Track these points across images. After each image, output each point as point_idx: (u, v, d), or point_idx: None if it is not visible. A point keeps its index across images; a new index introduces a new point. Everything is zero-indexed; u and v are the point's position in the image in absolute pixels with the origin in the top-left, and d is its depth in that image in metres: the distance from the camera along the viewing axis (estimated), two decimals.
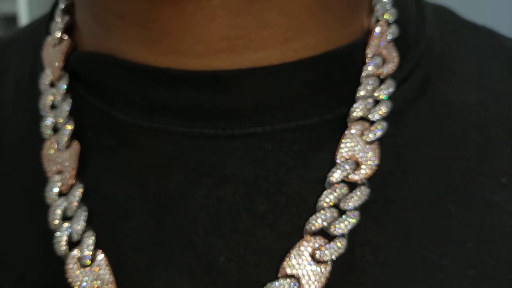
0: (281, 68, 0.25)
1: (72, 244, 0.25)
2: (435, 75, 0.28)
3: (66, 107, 0.27)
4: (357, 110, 0.25)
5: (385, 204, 0.25)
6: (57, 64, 0.28)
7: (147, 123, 0.26)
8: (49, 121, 0.27)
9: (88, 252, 0.25)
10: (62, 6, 0.30)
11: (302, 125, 0.25)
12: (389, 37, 0.27)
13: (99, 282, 0.24)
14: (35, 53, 0.31)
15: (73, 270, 0.24)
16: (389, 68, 0.26)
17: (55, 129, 0.27)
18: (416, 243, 0.24)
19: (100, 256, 0.25)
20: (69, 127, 0.27)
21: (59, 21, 0.29)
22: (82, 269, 0.24)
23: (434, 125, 0.26)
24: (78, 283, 0.24)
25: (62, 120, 0.27)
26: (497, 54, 0.30)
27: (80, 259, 0.25)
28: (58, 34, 0.29)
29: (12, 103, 0.30)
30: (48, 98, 0.28)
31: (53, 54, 0.29)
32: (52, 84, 0.28)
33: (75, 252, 0.25)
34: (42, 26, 0.32)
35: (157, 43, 0.25)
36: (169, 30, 0.25)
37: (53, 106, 0.28)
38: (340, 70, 0.26)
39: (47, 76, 0.28)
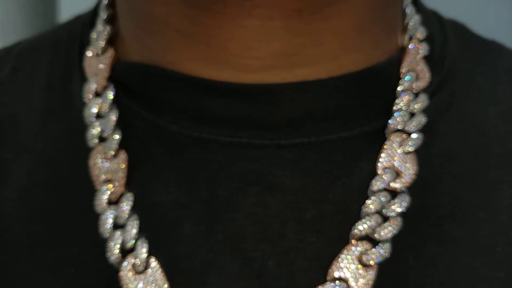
0: (326, 83, 0.27)
1: (125, 251, 0.26)
2: (458, 89, 0.29)
3: (113, 117, 0.28)
4: (395, 122, 0.27)
5: (423, 211, 0.26)
6: (103, 74, 0.29)
7: (196, 133, 0.27)
8: (95, 130, 0.28)
9: (142, 259, 0.25)
10: (104, 16, 0.31)
11: (344, 136, 0.27)
12: (421, 54, 0.29)
13: (153, 286, 0.25)
14: (66, 60, 0.31)
15: (127, 277, 0.25)
16: (422, 83, 0.28)
17: (101, 139, 0.28)
18: (452, 248, 0.26)
19: (154, 263, 0.25)
20: (117, 137, 0.28)
21: (102, 30, 0.30)
22: (136, 276, 0.25)
23: (461, 136, 0.28)
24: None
25: (109, 130, 0.28)
26: (509, 69, 0.32)
27: (134, 266, 0.25)
28: (102, 44, 0.30)
29: (43, 110, 0.30)
30: (94, 108, 0.29)
31: (96, 64, 0.29)
32: (97, 94, 0.29)
33: (129, 259, 0.26)
34: (72, 33, 0.33)
35: (214, 58, 0.26)
36: (228, 46, 0.26)
37: (98, 116, 0.29)
38: (378, 85, 0.28)
39: (91, 86, 0.29)
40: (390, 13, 0.29)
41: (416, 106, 0.28)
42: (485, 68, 0.31)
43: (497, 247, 0.26)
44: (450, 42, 0.31)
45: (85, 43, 0.31)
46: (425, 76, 0.28)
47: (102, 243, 0.26)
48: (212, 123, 0.27)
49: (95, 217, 0.27)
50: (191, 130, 0.27)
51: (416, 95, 0.28)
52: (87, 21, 0.33)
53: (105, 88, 0.29)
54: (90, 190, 0.27)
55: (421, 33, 0.29)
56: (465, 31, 0.33)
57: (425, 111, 0.28)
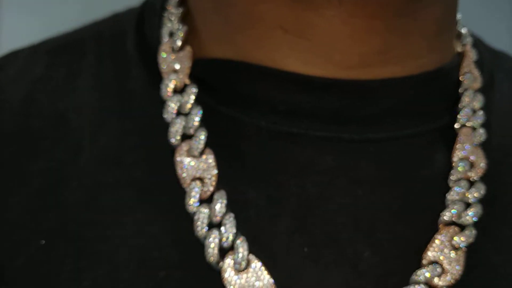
0: (409, 80, 0.28)
1: (222, 251, 0.26)
2: (497, 91, 0.32)
3: (197, 114, 0.27)
4: (463, 119, 0.29)
5: (494, 198, 0.28)
6: (184, 71, 0.28)
7: (286, 128, 0.27)
8: (178, 127, 0.27)
9: (243, 258, 0.25)
10: (178, 13, 0.30)
11: (420, 131, 0.28)
12: (475, 58, 0.31)
13: (259, 283, 0.25)
14: (117, 57, 0.30)
15: (230, 276, 0.25)
16: (477, 83, 0.30)
17: (183, 137, 0.28)
18: None
19: (255, 260, 0.26)
20: (204, 134, 0.27)
21: (177, 28, 0.29)
22: (239, 275, 0.25)
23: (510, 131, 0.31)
24: (239, 287, 0.25)
25: (194, 127, 0.27)
26: None
27: (234, 265, 0.25)
28: (180, 42, 0.29)
29: (96, 108, 0.29)
30: (174, 105, 0.28)
31: (172, 61, 0.29)
32: (176, 91, 0.28)
33: (229, 258, 0.26)
34: (116, 29, 0.31)
35: (314, 53, 0.27)
36: (332, 42, 0.26)
37: (178, 113, 0.28)
38: (445, 84, 0.30)
39: (170, 83, 0.28)
40: (454, 20, 0.31)
41: (476, 104, 0.30)
42: (504, 76, 0.34)
43: None
44: (483, 49, 0.34)
45: (141, 40, 0.30)
46: (478, 78, 0.31)
47: (191, 243, 0.26)
48: (302, 117, 0.27)
49: (183, 218, 0.26)
50: (280, 125, 0.27)
51: (475, 94, 0.30)
52: (134, 17, 0.32)
53: (184, 86, 0.28)
54: (174, 189, 0.27)
55: (470, 39, 0.32)
56: (483, 42, 0.36)
57: (481, 108, 0.30)
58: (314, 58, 0.27)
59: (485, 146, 0.29)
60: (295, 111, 0.27)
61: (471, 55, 0.32)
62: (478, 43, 0.34)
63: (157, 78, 0.29)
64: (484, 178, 0.28)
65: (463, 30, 0.33)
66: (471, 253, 0.27)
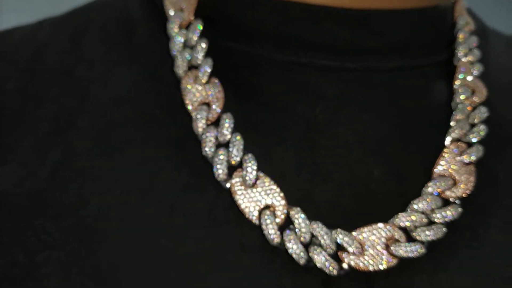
0: (412, 13, 0.28)
1: (231, 169, 0.26)
2: (488, 42, 0.33)
3: (203, 45, 0.28)
4: (462, 53, 0.30)
5: (498, 121, 0.29)
6: (189, 8, 0.29)
7: (293, 58, 0.27)
8: (184, 58, 0.28)
9: (252, 173, 0.25)
10: None
11: (423, 63, 0.29)
12: (465, 6, 0.33)
13: (269, 199, 0.25)
14: (124, 18, 0.31)
15: (239, 192, 0.25)
16: (472, 26, 0.31)
17: (190, 69, 0.28)
18: None
19: (264, 176, 0.25)
20: (210, 62, 0.27)
21: None
22: (248, 190, 0.25)
23: (502, 68, 0.32)
24: (248, 203, 0.25)
25: (200, 58, 0.28)
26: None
27: (244, 181, 0.25)
28: None
29: (104, 61, 0.29)
30: (180, 38, 0.28)
31: (178, 1, 0.29)
32: (181, 27, 0.29)
33: (238, 174, 0.25)
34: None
35: None
36: None
37: (184, 47, 0.28)
38: (442, 22, 0.30)
39: (176, 20, 0.29)
40: None
41: (471, 43, 0.31)
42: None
43: None
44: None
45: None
46: (471, 22, 0.32)
47: (202, 166, 0.26)
48: (307, 48, 0.28)
49: (191, 142, 0.26)
50: (286, 55, 0.28)
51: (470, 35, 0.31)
52: None
53: (189, 22, 0.29)
54: (182, 117, 0.27)
55: None
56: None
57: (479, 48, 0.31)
58: None
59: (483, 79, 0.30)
60: (300, 42, 0.28)
61: (463, 2, 0.33)
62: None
63: (162, 29, 0.29)
64: (486, 103, 0.29)
65: None
66: (479, 168, 0.27)
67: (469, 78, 0.29)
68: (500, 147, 0.28)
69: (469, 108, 0.28)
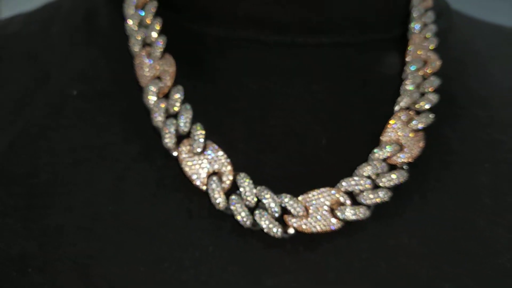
0: None
1: (180, 138, 0.26)
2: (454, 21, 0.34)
3: (157, 24, 0.29)
4: (416, 27, 0.30)
5: (449, 93, 0.30)
6: None
7: (243, 35, 0.28)
8: (139, 36, 0.29)
9: (199, 141, 0.26)
10: None
11: (376, 38, 0.30)
12: None
13: (216, 165, 0.26)
14: (88, 4, 0.32)
15: (186, 160, 0.26)
16: (429, 3, 0.32)
17: (144, 45, 0.29)
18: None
19: (213, 144, 0.26)
20: (162, 41, 0.28)
21: None
22: (195, 158, 0.26)
23: (465, 49, 0.32)
24: (195, 169, 0.25)
25: (155, 36, 0.28)
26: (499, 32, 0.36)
27: (192, 148, 0.26)
28: None
29: (65, 44, 0.30)
30: (135, 19, 0.29)
31: None
32: (137, 7, 0.29)
33: (186, 142, 0.26)
34: None
35: None
36: None
37: (140, 26, 0.29)
38: (397, 1, 0.31)
39: (131, 2, 0.30)
40: None
41: (426, 19, 0.31)
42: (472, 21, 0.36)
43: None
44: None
45: None
46: (430, 1, 0.32)
47: (152, 136, 0.27)
48: (259, 26, 0.28)
49: (142, 114, 0.27)
50: (238, 33, 0.28)
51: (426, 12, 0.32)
52: None
53: (145, 4, 0.30)
54: (134, 91, 0.28)
55: None
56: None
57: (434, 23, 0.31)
58: None
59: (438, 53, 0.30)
60: (251, 20, 0.28)
61: None
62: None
63: (119, 8, 0.30)
64: (439, 74, 0.29)
65: None
66: (432, 136, 0.27)
67: (422, 50, 0.30)
68: (454, 117, 0.29)
69: (420, 78, 0.29)
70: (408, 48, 0.30)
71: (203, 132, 0.26)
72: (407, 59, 0.30)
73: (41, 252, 0.24)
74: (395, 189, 0.26)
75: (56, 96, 0.29)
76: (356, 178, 0.26)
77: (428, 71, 0.29)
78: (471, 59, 0.32)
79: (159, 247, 0.24)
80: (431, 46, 0.30)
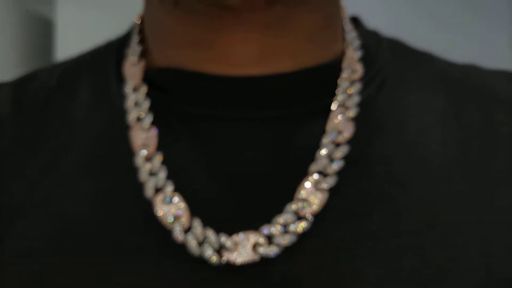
0: (290, 75, 0.40)
1: (157, 190, 0.38)
2: (388, 81, 0.43)
3: (147, 104, 0.41)
4: (340, 100, 0.40)
5: (360, 157, 0.40)
6: (138, 76, 0.42)
7: (204, 111, 0.40)
8: (134, 114, 0.41)
9: (169, 193, 0.38)
10: (136, 39, 0.44)
11: (302, 110, 0.40)
12: (357, 57, 0.43)
13: (178, 210, 0.37)
14: (105, 71, 0.44)
15: (158, 204, 0.38)
16: (357, 75, 0.42)
17: (138, 119, 0.41)
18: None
19: (176, 197, 0.38)
20: (150, 118, 0.40)
21: (136, 49, 0.44)
22: (165, 205, 0.38)
23: (387, 110, 0.42)
24: (163, 212, 0.37)
25: (144, 113, 0.41)
26: (434, 72, 0.45)
27: (163, 199, 0.38)
28: (135, 58, 0.43)
29: (87, 104, 0.43)
30: (132, 99, 0.41)
31: (133, 71, 0.43)
32: (135, 89, 0.42)
33: (160, 194, 0.38)
34: (106, 52, 0.46)
35: (215, 58, 0.40)
36: (224, 50, 0.39)
37: (135, 105, 0.41)
38: (327, 76, 0.41)
39: (130, 85, 0.42)
40: (336, 25, 0.43)
41: (353, 90, 0.41)
42: (414, 71, 0.45)
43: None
44: (383, 51, 0.45)
45: (120, 58, 0.45)
46: (359, 71, 0.42)
47: (138, 187, 0.39)
48: (215, 104, 0.40)
49: (133, 172, 0.39)
50: (198, 109, 0.40)
51: (352, 84, 0.42)
52: (117, 43, 0.46)
53: (139, 86, 0.42)
54: (127, 155, 0.40)
55: (356, 43, 0.44)
56: (401, 44, 0.47)
57: (362, 93, 0.41)
58: (217, 61, 0.40)
59: (359, 120, 0.40)
60: (209, 100, 0.40)
61: (355, 53, 0.43)
62: (373, 46, 0.45)
63: (123, 84, 0.43)
64: (351, 142, 0.39)
65: (349, 36, 0.44)
66: (332, 193, 0.38)
67: (340, 120, 0.40)
68: (356, 177, 0.39)
69: (333, 146, 0.39)
70: (329, 119, 0.40)
71: (173, 187, 0.38)
72: (327, 128, 0.40)
73: None
74: (300, 235, 0.37)
75: (78, 155, 0.41)
76: (273, 225, 0.37)
77: (341, 140, 0.39)
78: (393, 120, 0.41)
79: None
80: (350, 115, 0.40)
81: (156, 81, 0.42)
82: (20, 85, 0.47)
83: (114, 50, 0.46)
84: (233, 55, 0.40)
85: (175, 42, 0.41)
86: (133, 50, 0.44)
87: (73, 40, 1.54)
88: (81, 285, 0.36)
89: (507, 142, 0.41)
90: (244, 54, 0.40)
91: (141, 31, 0.45)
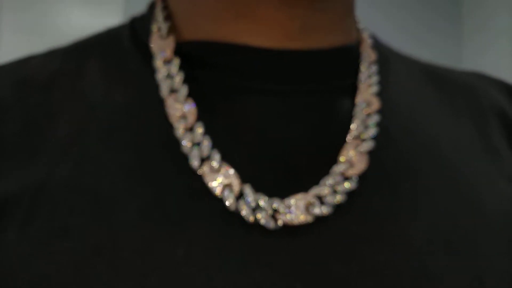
0: (324, 51, 0.42)
1: (202, 160, 0.38)
2: (391, 67, 0.47)
3: (181, 75, 0.40)
4: (364, 77, 0.43)
5: (386, 126, 0.43)
6: (170, 48, 0.41)
7: (237, 82, 0.41)
8: (168, 85, 0.40)
9: (217, 161, 0.38)
10: (163, 15, 0.44)
11: (332, 86, 0.42)
12: (370, 44, 0.46)
13: (228, 178, 0.37)
14: (118, 52, 0.43)
15: (208, 173, 0.37)
16: (373, 57, 0.45)
17: (171, 92, 0.40)
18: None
19: (224, 163, 0.38)
20: (186, 88, 0.40)
21: (163, 23, 0.43)
22: (214, 173, 0.38)
23: (400, 87, 0.46)
24: (214, 181, 0.37)
25: (179, 85, 0.40)
26: (415, 63, 0.51)
27: (211, 168, 0.38)
28: (165, 32, 0.43)
29: (102, 86, 0.41)
30: (164, 72, 0.41)
31: (163, 44, 0.42)
32: (165, 62, 0.41)
33: (207, 163, 0.38)
34: (112, 36, 0.45)
35: (256, 30, 0.41)
36: (266, 23, 0.40)
37: (167, 77, 0.41)
38: (350, 57, 0.44)
39: (160, 59, 0.41)
40: (354, 12, 0.46)
41: (371, 71, 0.44)
42: (403, 64, 0.49)
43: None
44: (381, 42, 0.49)
45: (134, 37, 0.44)
46: (373, 56, 0.45)
47: (181, 161, 0.38)
48: (250, 76, 0.41)
49: (173, 143, 0.39)
50: (232, 81, 0.41)
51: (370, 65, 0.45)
52: (126, 25, 0.46)
53: (171, 59, 0.41)
54: (164, 127, 0.39)
55: (367, 32, 0.47)
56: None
57: (378, 74, 0.45)
58: (257, 35, 0.41)
59: (380, 96, 0.43)
60: (245, 73, 0.41)
61: (368, 40, 0.46)
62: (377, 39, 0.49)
63: (148, 59, 0.42)
64: (378, 112, 0.42)
65: (362, 25, 0.48)
66: (371, 156, 0.40)
67: (367, 95, 0.42)
68: (388, 144, 0.41)
69: (365, 116, 0.41)
70: (357, 94, 0.43)
71: (220, 155, 0.38)
72: (356, 102, 0.42)
73: None
74: (348, 194, 0.39)
75: (101, 132, 0.40)
76: (322, 186, 0.38)
77: (370, 110, 0.42)
78: (403, 100, 0.45)
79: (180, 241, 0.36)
80: (373, 91, 0.43)
81: (192, 52, 0.42)
82: (15, 68, 0.45)
83: (126, 31, 0.45)
84: (275, 30, 0.41)
85: (214, 15, 0.41)
86: (160, 25, 0.43)
87: None
88: (137, 260, 0.35)
89: (496, 123, 0.48)
90: (287, 29, 0.41)
91: (165, 8, 0.44)
